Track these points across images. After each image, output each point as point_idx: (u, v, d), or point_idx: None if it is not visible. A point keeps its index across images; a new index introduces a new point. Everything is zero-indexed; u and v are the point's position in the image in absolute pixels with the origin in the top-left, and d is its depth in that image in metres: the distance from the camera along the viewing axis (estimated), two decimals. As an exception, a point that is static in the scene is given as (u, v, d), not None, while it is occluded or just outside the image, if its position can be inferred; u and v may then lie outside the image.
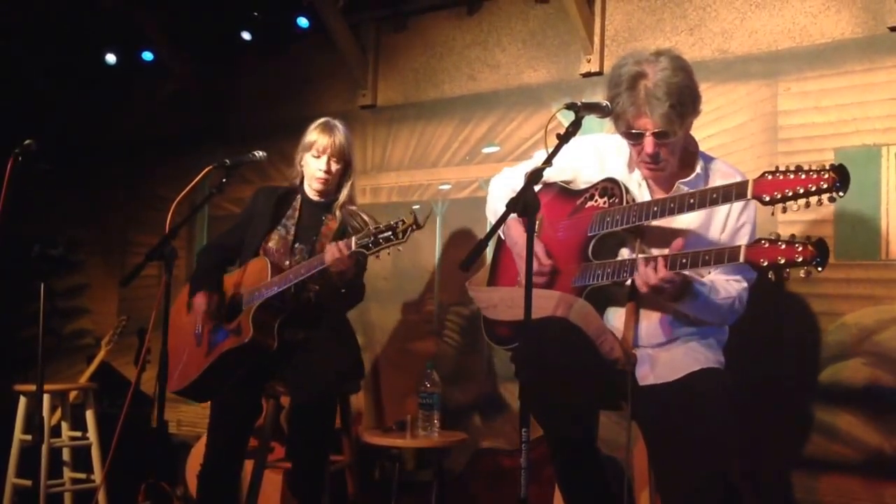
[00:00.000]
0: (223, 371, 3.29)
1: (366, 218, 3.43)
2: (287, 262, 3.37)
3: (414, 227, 2.94)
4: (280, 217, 3.47)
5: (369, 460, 4.16)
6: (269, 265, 3.30)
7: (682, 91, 2.41)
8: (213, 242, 3.74)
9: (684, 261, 2.29)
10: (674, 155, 2.51)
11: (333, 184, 3.46)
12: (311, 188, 3.47)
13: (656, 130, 2.41)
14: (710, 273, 2.49)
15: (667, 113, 2.38)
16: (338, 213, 3.44)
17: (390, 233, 2.96)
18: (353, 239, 3.04)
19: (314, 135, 3.41)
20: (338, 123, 3.46)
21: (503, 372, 3.97)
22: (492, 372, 4.03)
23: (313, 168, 3.41)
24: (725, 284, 2.49)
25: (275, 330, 3.26)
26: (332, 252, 3.08)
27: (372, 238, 2.99)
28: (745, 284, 2.51)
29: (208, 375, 3.33)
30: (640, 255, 2.42)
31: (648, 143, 2.44)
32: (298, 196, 3.51)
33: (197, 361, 3.37)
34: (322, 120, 3.47)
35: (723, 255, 2.23)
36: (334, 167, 3.41)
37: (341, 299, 3.36)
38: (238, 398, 3.26)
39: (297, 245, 3.42)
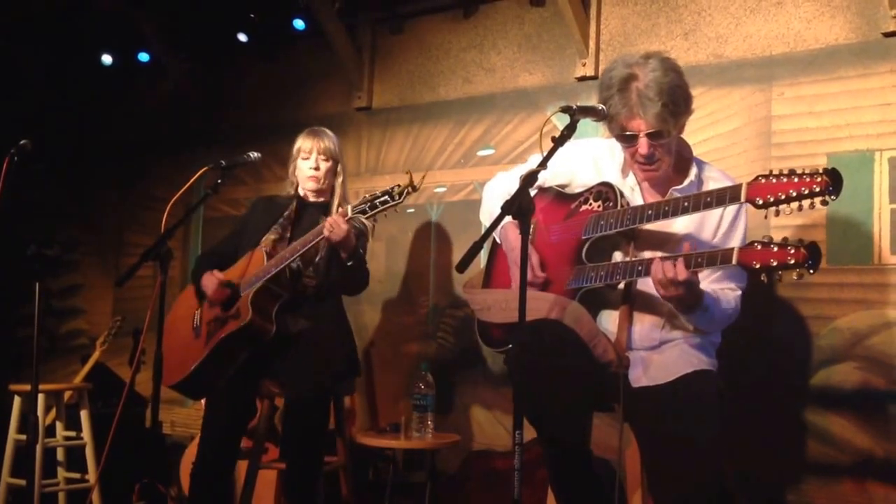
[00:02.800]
0: (222, 359, 3.27)
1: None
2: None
3: (410, 188, 2.98)
4: (277, 220, 3.50)
5: (363, 461, 4.16)
6: (265, 254, 3.35)
7: (674, 90, 2.42)
8: (208, 250, 3.76)
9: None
10: (669, 155, 2.51)
11: (326, 183, 3.53)
12: (306, 189, 3.55)
13: (650, 131, 2.42)
14: (706, 281, 2.49)
15: (660, 113, 2.39)
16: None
17: (387, 196, 3.01)
18: (349, 207, 3.12)
19: (300, 141, 3.56)
20: (324, 129, 3.59)
21: (497, 373, 3.98)
22: (485, 373, 4.04)
23: (304, 169, 3.52)
24: (723, 293, 2.50)
25: (273, 315, 3.27)
26: (329, 222, 3.13)
27: (369, 203, 3.05)
28: (738, 293, 2.53)
29: (207, 365, 3.31)
30: (659, 255, 2.39)
31: (643, 144, 2.45)
32: (295, 201, 3.56)
33: (196, 352, 3.35)
34: (307, 129, 3.60)
35: (715, 258, 2.24)
36: (323, 165, 3.51)
37: (347, 277, 3.35)
38: (232, 398, 3.27)
39: (293, 242, 3.43)
